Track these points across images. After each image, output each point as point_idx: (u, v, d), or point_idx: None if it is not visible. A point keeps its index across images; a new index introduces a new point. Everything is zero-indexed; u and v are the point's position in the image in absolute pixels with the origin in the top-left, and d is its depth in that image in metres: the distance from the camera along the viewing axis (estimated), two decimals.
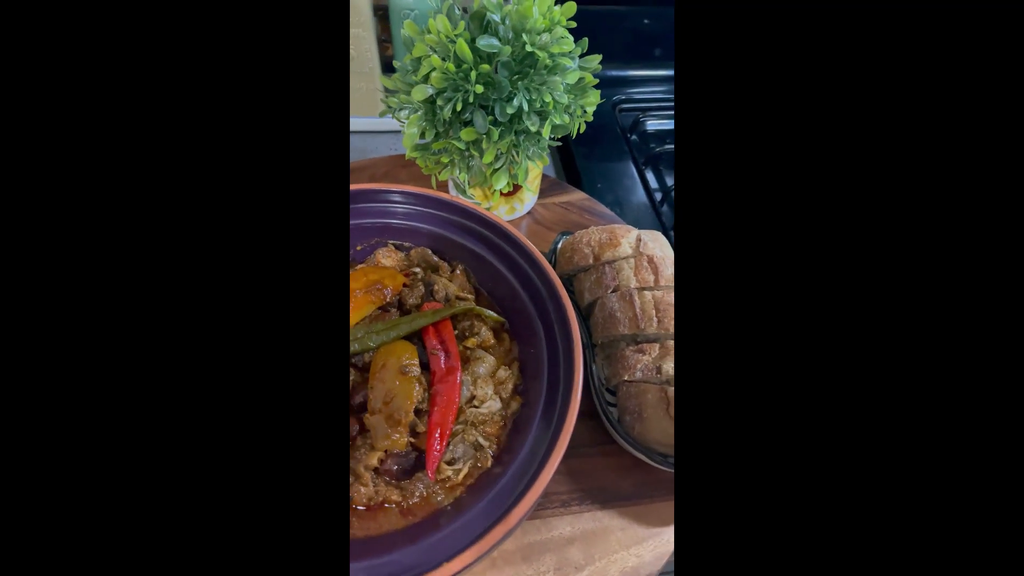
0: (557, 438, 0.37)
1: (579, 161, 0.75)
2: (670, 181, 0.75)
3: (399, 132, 0.81)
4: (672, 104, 0.86)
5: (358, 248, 0.51)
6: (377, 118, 0.78)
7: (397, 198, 0.51)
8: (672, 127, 0.83)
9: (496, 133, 0.46)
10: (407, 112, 0.49)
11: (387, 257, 0.49)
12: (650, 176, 0.75)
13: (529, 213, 0.64)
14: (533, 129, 0.46)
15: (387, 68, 0.78)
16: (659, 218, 0.70)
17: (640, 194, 0.73)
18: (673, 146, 0.75)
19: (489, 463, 0.40)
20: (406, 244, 0.51)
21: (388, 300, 0.45)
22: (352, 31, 0.68)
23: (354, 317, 0.43)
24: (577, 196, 0.66)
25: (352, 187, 0.50)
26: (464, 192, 0.56)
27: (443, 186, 0.62)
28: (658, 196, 0.72)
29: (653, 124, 0.83)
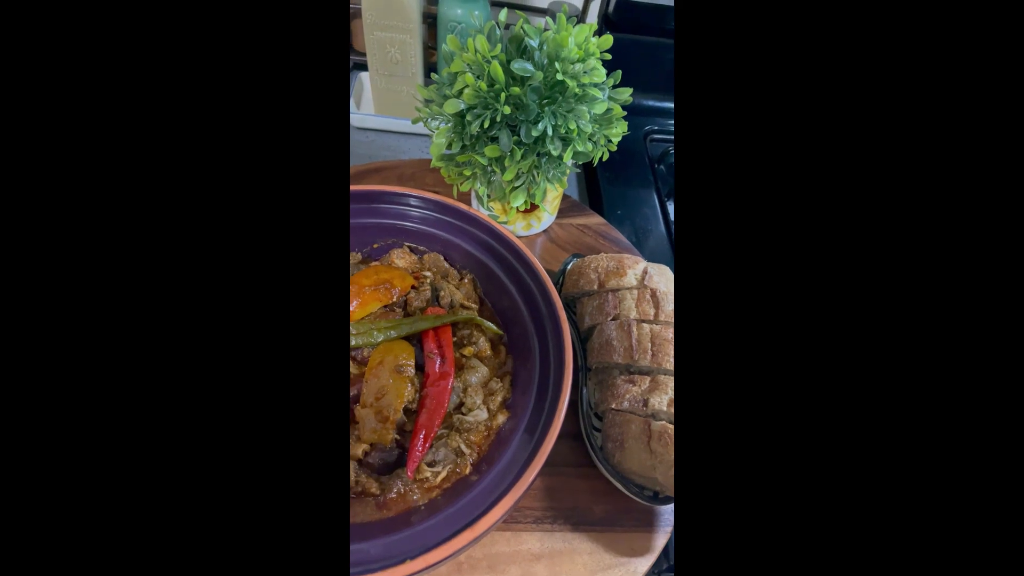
0: (535, 456, 0.38)
1: (603, 185, 0.76)
2: None
3: (430, 137, 0.83)
4: None
5: (375, 246, 0.53)
6: (408, 120, 0.81)
7: (418, 203, 0.53)
8: None
9: (519, 153, 0.48)
10: (438, 123, 0.51)
11: (401, 258, 0.51)
12: (671, 208, 0.76)
13: (545, 232, 0.65)
14: (555, 153, 0.48)
15: (429, 74, 0.81)
16: (672, 250, 0.70)
17: (659, 225, 0.74)
18: None
19: (468, 470, 0.41)
20: (421, 248, 0.53)
21: (395, 300, 0.46)
22: (399, 36, 0.70)
23: (360, 312, 0.45)
24: (595, 220, 0.68)
25: (376, 187, 0.52)
26: (484, 205, 0.58)
27: (465, 195, 0.64)
28: (674, 230, 0.73)
29: None
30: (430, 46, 0.82)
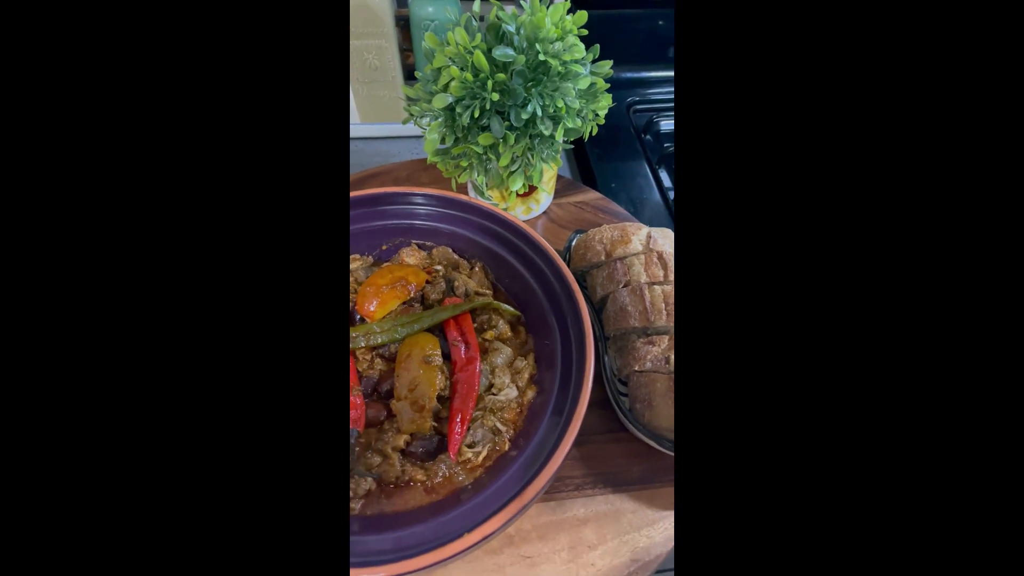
0: (569, 423, 0.39)
1: (594, 162, 0.78)
2: None
3: (419, 138, 0.84)
4: None
5: (383, 248, 0.54)
6: (399, 124, 0.82)
7: (420, 200, 0.54)
8: None
9: (512, 137, 0.49)
10: (428, 119, 0.52)
11: (411, 256, 0.53)
12: (663, 175, 0.77)
13: (545, 213, 0.66)
14: (547, 133, 0.49)
15: (409, 76, 0.82)
16: (671, 215, 0.72)
17: (654, 193, 0.75)
18: None
19: (506, 446, 0.42)
20: (428, 244, 0.54)
21: (412, 295, 0.48)
22: (375, 42, 0.71)
23: (381, 311, 0.46)
24: (591, 196, 0.69)
25: (377, 190, 0.53)
26: (482, 194, 0.59)
27: (462, 188, 0.65)
28: (671, 195, 0.74)
29: (667, 124, 0.84)
30: (405, 48, 0.83)
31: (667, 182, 0.76)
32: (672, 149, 0.77)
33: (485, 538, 0.35)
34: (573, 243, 0.57)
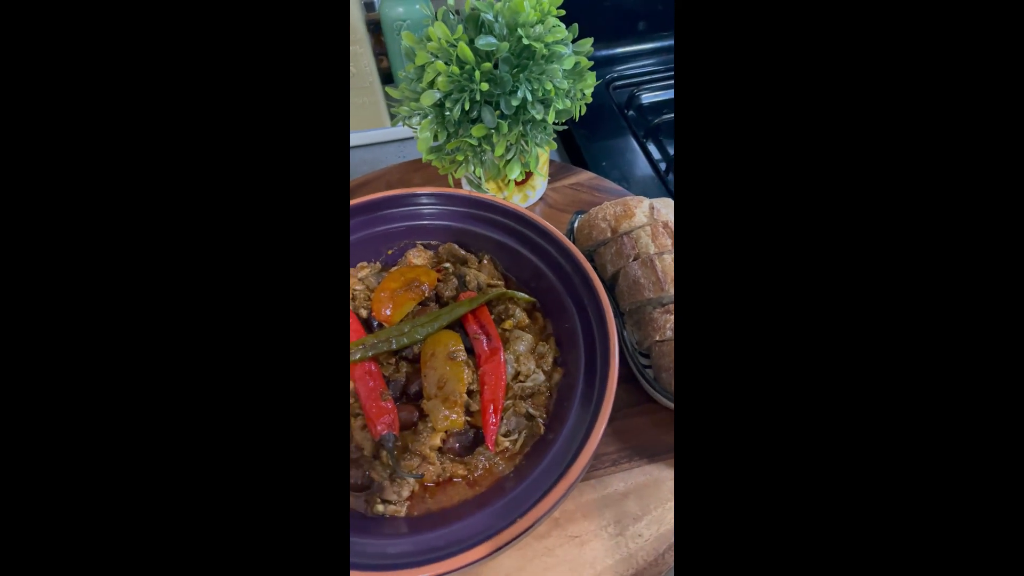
0: (602, 399, 0.40)
1: (581, 143, 0.78)
2: (671, 150, 0.77)
3: (404, 140, 0.84)
4: (664, 75, 0.87)
5: (388, 252, 0.54)
6: (382, 129, 0.82)
7: (419, 201, 0.54)
8: (667, 97, 0.85)
9: (505, 126, 0.49)
10: (417, 118, 0.52)
11: (417, 256, 0.53)
12: (652, 148, 0.77)
13: (542, 199, 0.66)
14: (539, 117, 0.49)
15: (386, 80, 0.81)
16: (666, 186, 0.72)
17: (644, 166, 0.75)
18: (671, 116, 0.77)
19: (542, 431, 0.43)
20: (433, 242, 0.54)
21: (427, 295, 0.48)
22: (349, 49, 0.71)
23: (398, 314, 0.46)
24: (585, 176, 0.69)
25: (375, 196, 0.53)
26: (479, 187, 0.59)
27: (458, 184, 0.65)
28: (662, 166, 0.75)
29: (648, 97, 0.85)
30: (379, 52, 0.82)
31: (656, 154, 0.77)
32: (656, 121, 0.77)
33: (537, 521, 0.35)
34: (576, 224, 0.57)
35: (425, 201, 0.54)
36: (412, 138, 0.83)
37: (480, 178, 0.59)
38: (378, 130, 0.81)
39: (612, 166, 0.75)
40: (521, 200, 0.64)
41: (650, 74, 0.88)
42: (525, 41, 0.47)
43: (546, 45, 0.48)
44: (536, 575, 0.42)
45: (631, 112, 0.83)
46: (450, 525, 0.37)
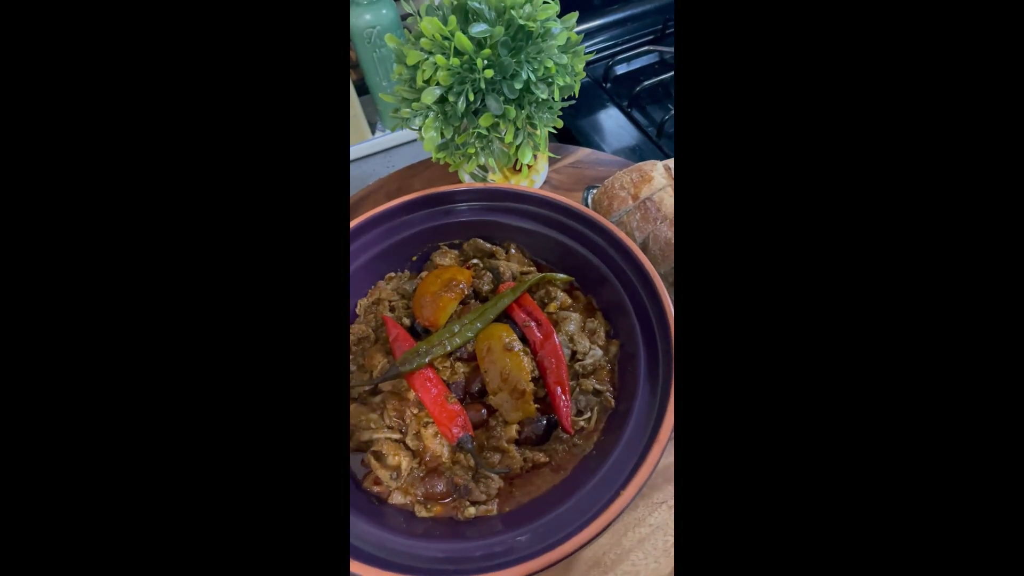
0: (670, 358, 0.40)
1: (569, 122, 0.78)
2: (657, 115, 0.77)
3: (389, 150, 0.82)
4: (632, 45, 0.88)
5: (413, 259, 0.53)
6: (365, 142, 0.80)
7: (435, 202, 0.53)
8: (641, 65, 0.86)
9: (512, 111, 0.48)
10: (420, 119, 0.51)
11: (443, 257, 0.52)
12: (638, 115, 0.78)
13: (546, 182, 0.66)
14: (544, 97, 0.49)
15: (360, 91, 0.79)
16: (661, 149, 0.73)
17: (635, 133, 0.76)
18: (650, 82, 0.77)
19: (612, 404, 0.42)
20: (456, 240, 0.53)
21: (466, 293, 0.47)
22: None
23: (443, 316, 0.45)
24: (582, 153, 0.69)
25: (386, 206, 0.51)
26: (484, 179, 0.58)
27: (457, 181, 0.64)
28: (652, 131, 0.75)
29: (621, 68, 0.85)
30: (351, 65, 0.80)
31: (643, 120, 0.77)
32: (638, 89, 0.77)
33: (638, 492, 0.35)
34: (590, 199, 0.57)
35: (441, 201, 0.53)
36: (398, 147, 0.82)
37: (486, 171, 0.58)
38: (361, 144, 0.79)
39: (603, 140, 0.76)
40: (528, 185, 0.63)
41: (617, 45, 0.89)
42: (520, 22, 0.46)
43: (539, 23, 0.47)
44: (633, 547, 0.42)
45: (609, 84, 0.83)
46: (547, 514, 0.37)
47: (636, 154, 0.73)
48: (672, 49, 0.84)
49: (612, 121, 0.78)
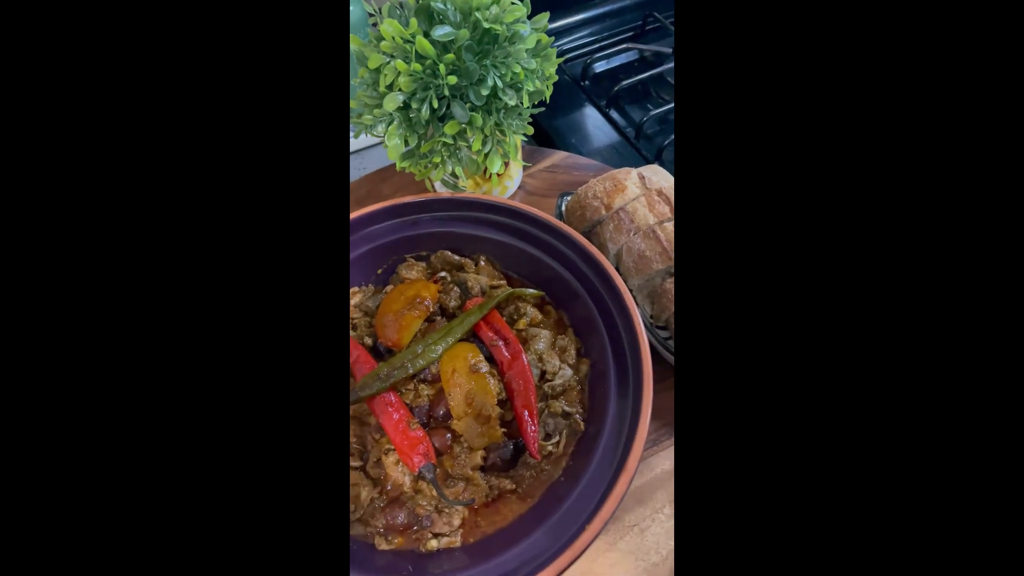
0: (641, 380, 0.38)
1: (545, 123, 0.75)
2: (636, 115, 0.75)
3: (359, 152, 0.79)
4: (610, 41, 0.86)
5: (379, 272, 0.51)
6: None
7: (402, 212, 0.50)
8: (619, 63, 0.84)
9: (478, 118, 0.46)
10: (383, 126, 0.49)
11: (410, 271, 0.50)
12: (616, 116, 0.76)
13: (520, 187, 0.64)
14: (512, 103, 0.47)
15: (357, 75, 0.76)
16: (639, 152, 0.71)
17: (612, 135, 0.74)
18: (628, 81, 0.75)
19: (582, 427, 0.41)
20: (423, 252, 0.51)
21: (431, 310, 0.45)
22: None
23: (407, 336, 0.43)
24: (558, 156, 0.67)
25: (353, 215, 0.49)
26: (456, 187, 0.56)
27: (431, 188, 0.62)
28: (630, 132, 0.73)
29: (600, 66, 0.83)
30: None
31: (621, 121, 0.75)
32: (616, 89, 0.75)
33: (606, 523, 0.34)
34: (564, 207, 0.55)
35: (406, 211, 0.51)
36: (368, 148, 0.79)
37: (456, 178, 0.56)
38: None
39: (581, 142, 0.74)
40: (501, 192, 0.61)
41: (596, 43, 0.86)
42: (485, 25, 0.44)
43: (506, 26, 0.45)
44: (604, 573, 0.41)
45: (586, 83, 0.81)
46: (513, 547, 0.35)
47: (613, 157, 0.71)
48: (652, 47, 0.82)
49: (590, 122, 0.76)
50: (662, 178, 0.50)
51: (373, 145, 0.79)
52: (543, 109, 0.51)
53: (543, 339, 0.44)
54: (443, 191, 0.60)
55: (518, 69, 0.46)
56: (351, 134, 0.52)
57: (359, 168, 0.77)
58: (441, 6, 0.45)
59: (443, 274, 0.49)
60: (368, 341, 0.45)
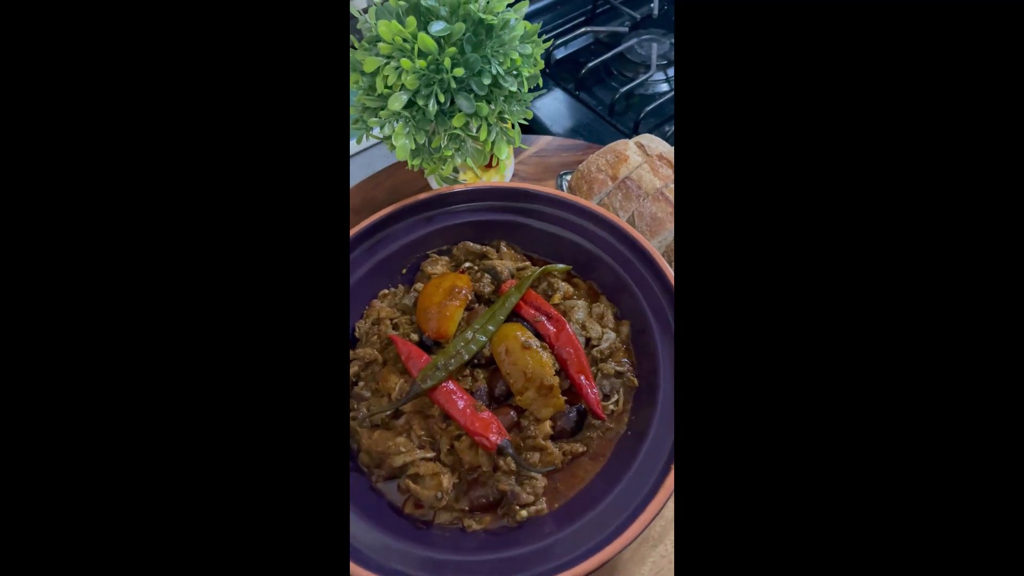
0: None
1: None
2: (606, 96, 0.78)
3: (353, 156, 0.78)
4: (566, 27, 0.88)
5: (403, 272, 0.51)
6: None
7: (414, 211, 0.51)
8: (578, 47, 0.87)
9: (484, 107, 0.47)
10: (388, 127, 0.49)
11: (434, 266, 0.50)
12: (585, 96, 0.79)
13: (515, 175, 0.66)
14: (513, 89, 0.48)
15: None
16: (615, 127, 0.74)
17: (588, 115, 0.77)
18: (593, 63, 0.78)
19: (636, 382, 0.43)
20: (444, 247, 0.52)
21: (470, 299, 0.46)
22: None
23: (451, 326, 0.44)
24: (543, 141, 0.69)
25: (367, 222, 0.49)
26: (454, 181, 0.57)
27: (428, 184, 0.62)
28: (602, 111, 0.76)
29: (560, 52, 0.85)
30: None
31: (591, 101, 0.78)
32: (583, 72, 0.78)
33: None
34: (565, 186, 0.57)
35: (417, 210, 0.51)
36: (356, 154, 0.79)
37: (457, 171, 0.57)
38: None
39: (559, 125, 0.76)
40: (500, 180, 0.63)
41: (553, 29, 0.89)
42: (480, 15, 0.45)
43: (498, 16, 0.47)
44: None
45: (549, 70, 0.83)
46: (594, 507, 0.37)
47: (593, 135, 0.74)
48: (606, 28, 0.86)
49: (559, 103, 0.78)
50: (659, 144, 0.53)
51: (354, 154, 0.79)
52: (541, 92, 0.53)
53: (580, 308, 0.46)
54: (442, 186, 0.61)
55: (515, 56, 0.47)
56: (352, 140, 0.52)
57: (363, 167, 0.76)
58: (431, 3, 0.46)
59: (468, 264, 0.50)
60: (414, 337, 0.45)
